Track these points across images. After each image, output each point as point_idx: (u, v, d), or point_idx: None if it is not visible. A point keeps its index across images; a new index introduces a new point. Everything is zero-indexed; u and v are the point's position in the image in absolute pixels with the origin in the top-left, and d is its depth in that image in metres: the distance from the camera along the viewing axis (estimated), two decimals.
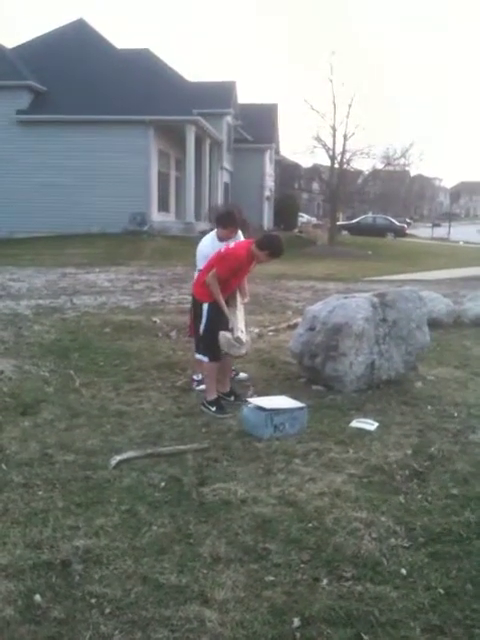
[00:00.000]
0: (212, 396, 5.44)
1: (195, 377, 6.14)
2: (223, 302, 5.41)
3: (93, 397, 5.68)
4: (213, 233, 6.06)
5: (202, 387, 5.78)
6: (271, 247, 5.43)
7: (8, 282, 13.10)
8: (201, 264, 5.82)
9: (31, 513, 3.52)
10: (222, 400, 5.50)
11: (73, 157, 24.76)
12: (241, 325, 5.52)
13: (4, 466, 4.12)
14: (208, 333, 5.46)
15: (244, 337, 5.48)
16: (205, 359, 5.55)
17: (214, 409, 5.32)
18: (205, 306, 5.48)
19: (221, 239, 5.88)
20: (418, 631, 2.62)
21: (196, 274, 5.95)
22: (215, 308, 5.41)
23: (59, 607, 2.74)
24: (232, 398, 5.62)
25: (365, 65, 75.93)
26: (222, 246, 5.61)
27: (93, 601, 2.78)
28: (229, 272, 5.38)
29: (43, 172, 24.78)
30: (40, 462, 4.22)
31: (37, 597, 2.79)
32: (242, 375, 6.44)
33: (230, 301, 5.53)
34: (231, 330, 5.41)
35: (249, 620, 2.67)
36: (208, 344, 5.48)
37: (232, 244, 5.62)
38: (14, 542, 3.22)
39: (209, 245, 5.92)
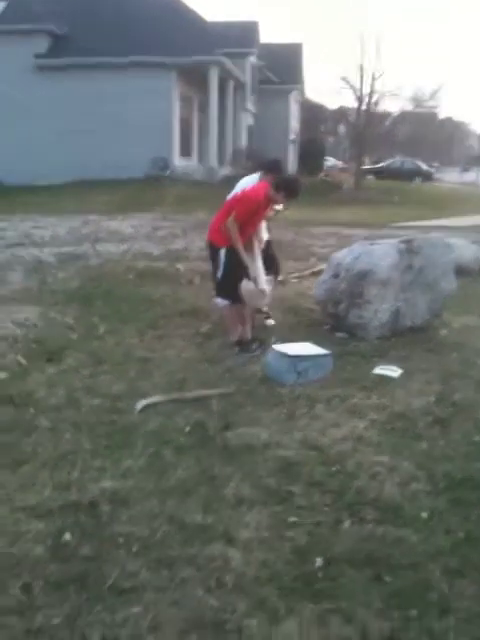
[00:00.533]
0: (236, 337, 5.51)
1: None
2: (241, 246, 5.38)
3: (117, 344, 5.73)
4: (256, 176, 6.06)
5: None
6: (287, 187, 5.43)
7: (31, 230, 13.09)
8: None
9: (59, 455, 3.60)
10: (245, 344, 5.53)
11: (93, 101, 24.31)
12: (261, 274, 5.50)
13: (32, 410, 4.20)
14: (227, 277, 5.46)
15: (267, 287, 5.48)
16: (226, 302, 5.57)
17: (238, 350, 5.41)
18: (222, 251, 5.45)
19: None
20: (438, 574, 2.66)
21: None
22: (233, 252, 5.39)
23: (87, 546, 2.81)
24: (255, 345, 5.64)
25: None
26: None
27: (120, 540, 2.85)
28: (247, 214, 5.35)
29: (62, 117, 24.39)
30: (67, 406, 4.29)
31: (66, 536, 2.87)
32: (269, 322, 6.43)
33: (247, 250, 5.50)
34: (253, 280, 5.40)
35: (272, 560, 2.74)
36: (228, 287, 5.48)
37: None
38: (43, 483, 3.31)
39: (249, 185, 5.90)
